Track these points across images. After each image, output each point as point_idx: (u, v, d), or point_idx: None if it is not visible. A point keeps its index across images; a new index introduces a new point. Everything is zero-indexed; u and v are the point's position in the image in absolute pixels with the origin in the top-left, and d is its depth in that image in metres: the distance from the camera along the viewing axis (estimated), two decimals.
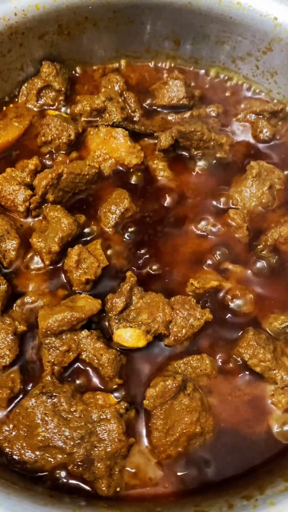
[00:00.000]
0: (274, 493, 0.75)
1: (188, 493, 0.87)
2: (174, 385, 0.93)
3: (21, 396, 0.98)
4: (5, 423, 0.93)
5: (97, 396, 0.96)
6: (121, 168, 1.24)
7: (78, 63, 1.39)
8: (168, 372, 0.98)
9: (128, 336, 1.00)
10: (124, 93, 1.34)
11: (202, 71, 1.41)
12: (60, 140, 1.25)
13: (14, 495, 0.77)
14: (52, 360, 0.98)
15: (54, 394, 0.94)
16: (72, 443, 0.90)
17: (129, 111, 1.33)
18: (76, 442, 0.90)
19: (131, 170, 1.24)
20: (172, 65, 1.42)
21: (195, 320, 1.02)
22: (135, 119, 1.33)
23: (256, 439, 0.94)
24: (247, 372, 1.00)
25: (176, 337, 1.02)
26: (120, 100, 1.32)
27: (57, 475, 0.90)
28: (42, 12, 1.23)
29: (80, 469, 0.88)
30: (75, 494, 0.87)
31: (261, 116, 1.30)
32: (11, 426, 0.92)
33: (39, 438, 0.91)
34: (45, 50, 1.32)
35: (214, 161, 1.26)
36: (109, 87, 1.35)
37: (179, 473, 0.92)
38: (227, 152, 1.26)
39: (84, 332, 1.00)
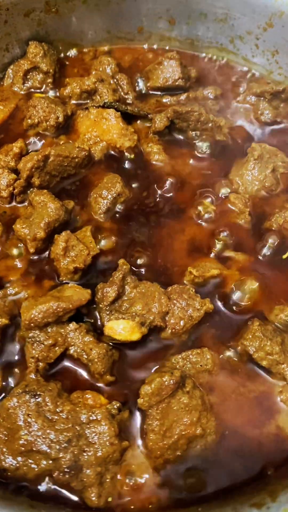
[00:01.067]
0: None
1: (188, 503, 0.76)
2: (171, 381, 0.84)
3: (2, 396, 0.88)
4: None
5: (86, 396, 0.86)
6: (113, 152, 1.16)
7: (67, 45, 1.31)
8: (165, 368, 0.89)
9: (120, 328, 0.90)
10: (117, 75, 1.26)
11: (199, 54, 1.33)
12: (48, 123, 1.17)
13: None
14: (36, 356, 0.88)
15: (38, 393, 0.84)
16: (58, 447, 0.79)
17: (122, 93, 1.25)
18: (63, 446, 0.79)
19: (124, 153, 1.15)
20: (167, 47, 1.34)
21: (194, 310, 0.93)
22: (128, 101, 1.25)
23: (265, 441, 0.84)
24: (252, 367, 0.91)
25: (173, 330, 0.92)
26: (112, 82, 1.24)
27: (41, 484, 0.80)
28: None
29: (67, 476, 0.78)
30: (61, 505, 0.77)
31: (262, 98, 1.23)
32: None
33: (21, 442, 0.80)
34: (32, 30, 1.24)
35: (213, 144, 1.17)
36: (101, 69, 1.28)
37: (178, 481, 0.82)
38: (226, 135, 1.18)
39: (72, 325, 0.91)
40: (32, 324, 0.88)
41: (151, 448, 0.83)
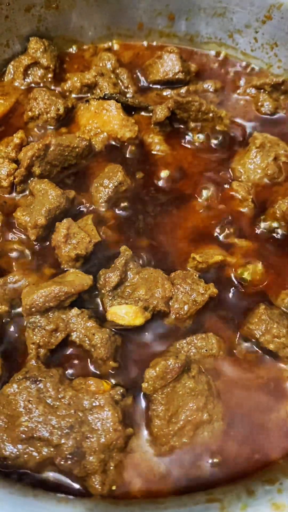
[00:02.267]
0: None
1: (195, 489, 0.73)
2: (176, 364, 0.81)
3: (1, 384, 0.85)
4: None
5: (89, 382, 0.83)
6: (113, 142, 1.15)
7: (68, 41, 1.32)
8: (169, 352, 0.86)
9: (123, 313, 0.88)
10: (117, 69, 1.26)
11: (198, 50, 1.34)
12: (48, 115, 1.17)
13: None
14: (37, 342, 0.86)
15: (39, 379, 0.81)
16: (59, 433, 0.76)
17: (122, 87, 1.25)
18: (64, 432, 0.77)
19: (125, 144, 1.15)
20: (167, 44, 1.35)
21: (198, 295, 0.91)
22: (128, 95, 1.25)
23: (274, 426, 0.81)
24: (259, 352, 0.88)
25: (177, 315, 0.90)
26: (112, 76, 1.24)
27: (43, 472, 0.76)
28: None
29: (69, 463, 0.75)
30: (63, 493, 0.73)
31: (262, 90, 1.23)
32: None
33: (21, 428, 0.77)
34: (32, 25, 1.25)
35: (214, 135, 1.17)
36: (101, 64, 1.28)
37: (185, 469, 0.79)
38: (227, 125, 1.18)
39: (74, 311, 0.89)
40: (33, 309, 0.86)
41: (156, 435, 0.80)
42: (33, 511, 0.61)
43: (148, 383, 0.81)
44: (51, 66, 1.26)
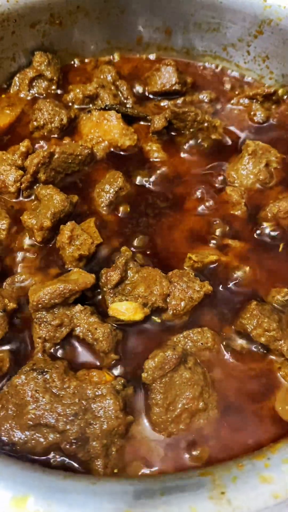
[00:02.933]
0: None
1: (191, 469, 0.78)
2: (174, 356, 0.87)
3: (10, 376, 0.91)
4: None
5: (92, 373, 0.90)
6: (114, 150, 1.22)
7: (70, 55, 1.40)
8: (167, 346, 0.92)
9: (124, 309, 0.94)
10: (117, 81, 1.33)
11: (194, 62, 1.41)
12: (53, 125, 1.24)
13: None
14: (44, 336, 0.92)
15: (46, 370, 0.87)
16: (65, 419, 0.82)
17: (122, 98, 1.32)
18: (69, 419, 0.82)
19: (125, 151, 1.22)
20: (165, 57, 1.43)
21: (194, 292, 0.97)
22: (128, 106, 1.32)
23: (265, 414, 0.87)
24: (251, 345, 0.94)
25: (174, 311, 0.96)
26: (112, 88, 1.31)
27: (50, 457, 0.82)
28: (35, 0, 1.24)
29: (74, 447, 0.81)
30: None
31: (254, 100, 1.30)
32: None
33: (29, 416, 0.83)
34: (37, 40, 1.33)
35: (209, 143, 1.24)
36: (102, 77, 1.35)
37: (181, 454, 0.84)
38: (221, 134, 1.24)
39: (78, 307, 0.95)
40: (39, 305, 0.92)
41: (155, 422, 0.86)
42: (42, 483, 0.67)
43: (148, 373, 0.87)
44: (55, 78, 1.33)
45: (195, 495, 0.66)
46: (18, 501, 0.65)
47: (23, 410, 0.84)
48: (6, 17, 1.23)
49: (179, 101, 1.31)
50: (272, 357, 0.93)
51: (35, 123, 1.24)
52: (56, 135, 1.24)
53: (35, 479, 0.68)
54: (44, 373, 0.87)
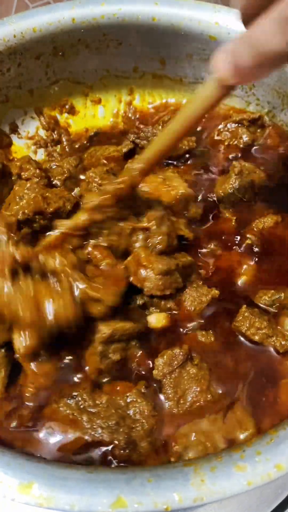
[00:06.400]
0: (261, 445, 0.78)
1: None
2: (181, 353, 0.99)
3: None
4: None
5: (115, 386, 0.98)
6: None
7: (72, 83, 1.51)
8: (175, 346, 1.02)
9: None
10: None
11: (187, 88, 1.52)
12: None
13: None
14: None
15: (73, 394, 0.95)
16: (109, 431, 0.91)
17: None
18: (113, 429, 0.91)
19: None
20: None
21: (202, 296, 1.08)
22: None
23: (267, 405, 0.96)
24: (249, 345, 1.04)
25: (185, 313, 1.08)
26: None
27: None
28: (39, 35, 1.35)
29: (127, 451, 0.89)
30: None
31: (240, 125, 1.41)
32: None
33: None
34: (41, 70, 1.44)
35: (199, 164, 1.35)
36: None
37: None
38: (210, 157, 1.36)
39: None
40: None
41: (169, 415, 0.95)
42: (46, 472, 0.77)
43: (158, 370, 0.98)
44: None
45: (179, 482, 0.75)
46: (25, 487, 0.75)
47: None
48: (13, 51, 1.35)
49: None
50: (269, 353, 1.03)
51: None
52: None
53: (39, 469, 0.77)
54: (73, 397, 0.94)
